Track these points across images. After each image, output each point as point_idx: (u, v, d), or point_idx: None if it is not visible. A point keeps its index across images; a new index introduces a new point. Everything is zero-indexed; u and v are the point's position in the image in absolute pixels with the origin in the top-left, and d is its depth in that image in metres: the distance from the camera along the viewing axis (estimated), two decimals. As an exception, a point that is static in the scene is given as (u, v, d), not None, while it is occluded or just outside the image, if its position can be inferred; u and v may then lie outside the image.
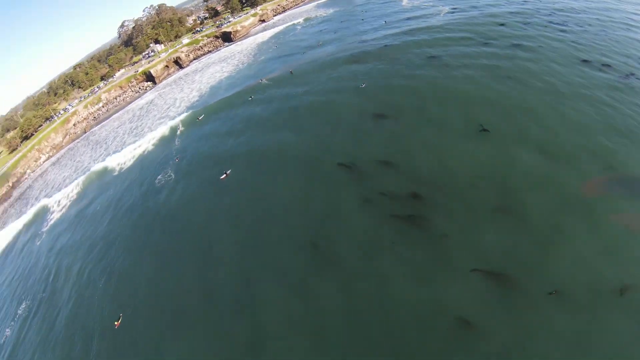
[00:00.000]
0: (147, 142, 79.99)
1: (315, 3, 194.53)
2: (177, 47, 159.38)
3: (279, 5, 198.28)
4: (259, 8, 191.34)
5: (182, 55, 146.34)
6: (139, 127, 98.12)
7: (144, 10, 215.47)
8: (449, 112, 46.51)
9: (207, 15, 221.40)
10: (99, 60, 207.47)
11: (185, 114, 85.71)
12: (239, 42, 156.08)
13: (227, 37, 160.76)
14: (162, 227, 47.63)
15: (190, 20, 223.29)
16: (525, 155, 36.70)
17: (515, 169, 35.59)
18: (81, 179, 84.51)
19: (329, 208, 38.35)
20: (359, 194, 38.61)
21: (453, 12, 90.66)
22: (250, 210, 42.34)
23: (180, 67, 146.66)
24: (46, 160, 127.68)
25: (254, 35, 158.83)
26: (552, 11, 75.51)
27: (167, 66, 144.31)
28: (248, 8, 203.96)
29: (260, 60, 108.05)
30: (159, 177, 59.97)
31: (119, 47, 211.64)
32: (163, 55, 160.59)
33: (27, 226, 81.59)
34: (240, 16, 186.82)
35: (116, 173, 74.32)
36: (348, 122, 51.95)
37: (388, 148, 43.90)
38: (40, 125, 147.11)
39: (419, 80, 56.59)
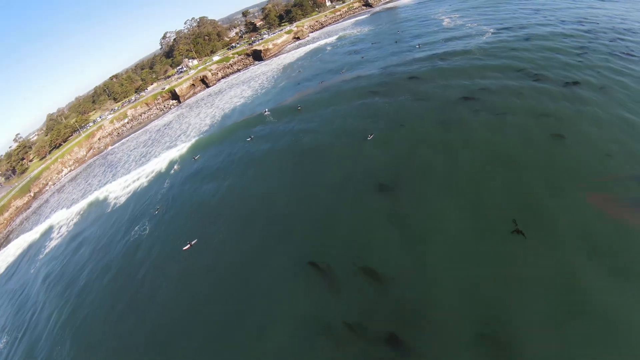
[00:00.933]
0: (144, 177, 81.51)
1: (353, 20, 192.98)
2: (208, 64, 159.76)
3: (316, 22, 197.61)
4: (294, 25, 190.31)
5: (209, 74, 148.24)
6: (148, 154, 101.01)
7: (185, 23, 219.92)
8: (473, 191, 36.00)
9: (244, 30, 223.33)
10: (142, 68, 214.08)
11: (187, 146, 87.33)
12: (267, 62, 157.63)
13: (257, 56, 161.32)
14: (129, 297, 44.26)
15: (232, 34, 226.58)
16: (595, 282, 25.15)
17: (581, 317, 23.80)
18: (83, 205, 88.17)
19: (267, 339, 30.04)
20: (318, 317, 29.74)
21: (498, 33, 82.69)
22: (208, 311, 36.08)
23: (207, 85, 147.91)
24: (67, 173, 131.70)
25: (285, 53, 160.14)
26: (615, 34, 65.40)
27: (193, 84, 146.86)
28: (286, 24, 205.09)
29: (280, 86, 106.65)
30: (136, 228, 58.95)
31: (160, 58, 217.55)
32: (193, 72, 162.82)
33: (31, 246, 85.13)
34: (275, 32, 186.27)
35: (109, 209, 75.62)
36: (337, 190, 44.27)
37: (379, 250, 33.89)
38: (70, 135, 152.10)
39: (442, 133, 46.92)
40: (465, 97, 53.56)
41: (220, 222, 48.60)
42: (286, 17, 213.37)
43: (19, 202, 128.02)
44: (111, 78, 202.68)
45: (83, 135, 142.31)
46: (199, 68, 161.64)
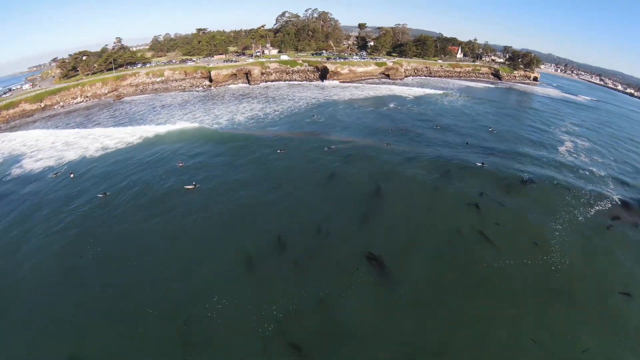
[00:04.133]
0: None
1: (471, 84, 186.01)
2: (272, 60, 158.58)
3: (425, 67, 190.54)
4: (394, 59, 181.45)
5: (257, 71, 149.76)
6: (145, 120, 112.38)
7: (306, 11, 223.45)
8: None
9: (353, 42, 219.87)
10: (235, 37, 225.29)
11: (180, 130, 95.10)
12: (327, 83, 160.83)
13: (323, 74, 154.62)
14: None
15: (347, 42, 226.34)
16: None
17: None
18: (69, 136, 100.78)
19: None
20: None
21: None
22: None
23: (248, 82, 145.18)
24: (79, 102, 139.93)
25: (356, 84, 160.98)
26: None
27: (235, 74, 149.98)
28: (395, 55, 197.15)
29: (303, 122, 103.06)
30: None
31: (267, 32, 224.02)
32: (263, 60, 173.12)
33: None
34: (365, 58, 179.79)
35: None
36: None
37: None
38: (121, 66, 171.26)
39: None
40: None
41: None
42: (397, 49, 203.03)
43: (27, 106, 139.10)
44: (198, 30, 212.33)
45: (114, 74, 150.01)
46: (262, 60, 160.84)
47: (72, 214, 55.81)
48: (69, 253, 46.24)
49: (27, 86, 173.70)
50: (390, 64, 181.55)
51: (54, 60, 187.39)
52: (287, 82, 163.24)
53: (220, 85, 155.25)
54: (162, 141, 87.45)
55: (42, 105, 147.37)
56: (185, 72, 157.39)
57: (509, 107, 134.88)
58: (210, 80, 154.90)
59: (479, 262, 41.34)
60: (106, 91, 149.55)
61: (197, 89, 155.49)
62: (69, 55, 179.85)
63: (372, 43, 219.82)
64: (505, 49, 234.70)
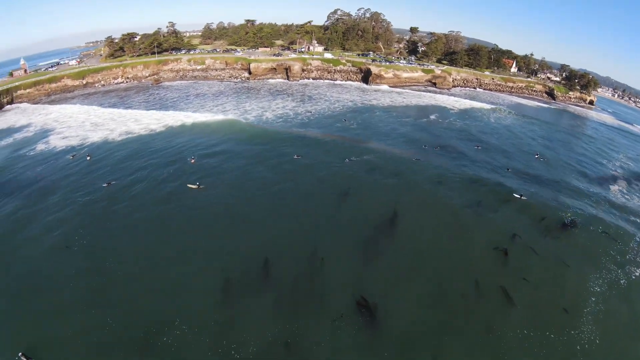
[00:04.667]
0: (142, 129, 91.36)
1: (522, 100, 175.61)
2: (315, 57, 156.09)
3: (476, 78, 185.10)
4: (443, 67, 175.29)
5: (297, 67, 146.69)
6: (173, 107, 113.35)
7: (358, 10, 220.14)
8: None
9: (404, 46, 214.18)
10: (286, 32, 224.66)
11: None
12: (369, 86, 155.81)
13: (366, 77, 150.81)
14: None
15: (397, 45, 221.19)
16: None
17: None
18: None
19: None
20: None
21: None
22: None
23: (287, 78, 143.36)
24: (119, 83, 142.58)
25: (399, 89, 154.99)
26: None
27: (274, 69, 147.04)
28: (445, 63, 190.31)
29: (336, 132, 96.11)
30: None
31: (314, 28, 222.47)
32: (305, 56, 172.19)
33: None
34: (412, 63, 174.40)
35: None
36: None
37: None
38: (165, 51, 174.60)
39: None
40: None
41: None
42: (448, 57, 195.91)
43: (69, 82, 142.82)
44: (247, 21, 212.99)
45: (156, 58, 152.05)
46: (304, 56, 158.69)
47: (74, 203, 55.23)
48: (60, 241, 45.72)
49: (73, 62, 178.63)
50: (438, 71, 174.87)
51: (108, 38, 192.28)
52: (327, 81, 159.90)
53: (259, 79, 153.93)
54: (184, 132, 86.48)
55: (84, 82, 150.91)
56: (226, 62, 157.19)
57: (560, 130, 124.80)
58: (250, 73, 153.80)
59: (492, 328, 34.76)
60: (147, 74, 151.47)
61: (235, 80, 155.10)
62: (122, 34, 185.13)
63: (423, 49, 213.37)
64: (562, 68, 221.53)
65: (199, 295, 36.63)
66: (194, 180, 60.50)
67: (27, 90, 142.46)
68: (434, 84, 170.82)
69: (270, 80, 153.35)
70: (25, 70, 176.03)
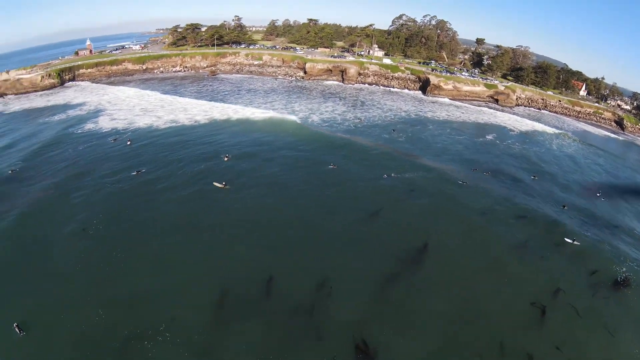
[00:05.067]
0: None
1: (589, 127, 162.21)
2: (373, 61, 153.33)
3: (542, 99, 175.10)
4: (507, 84, 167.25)
5: (353, 71, 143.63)
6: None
7: (424, 17, 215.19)
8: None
9: (469, 58, 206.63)
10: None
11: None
12: (426, 97, 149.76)
13: (424, 86, 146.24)
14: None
15: (462, 56, 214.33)
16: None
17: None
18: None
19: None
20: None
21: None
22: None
23: (342, 80, 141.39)
24: (177, 71, 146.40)
25: (458, 103, 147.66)
26: None
27: (330, 70, 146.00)
28: (510, 79, 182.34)
29: (382, 142, 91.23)
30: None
31: (375, 32, 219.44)
32: (364, 60, 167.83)
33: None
34: (475, 76, 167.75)
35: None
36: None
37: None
38: (226, 43, 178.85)
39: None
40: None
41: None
42: (514, 73, 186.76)
43: (130, 66, 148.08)
44: (309, 20, 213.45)
45: (215, 50, 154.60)
46: (362, 60, 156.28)
47: (103, 188, 56.19)
48: (79, 224, 46.82)
49: (137, 47, 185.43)
50: (501, 87, 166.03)
51: (174, 27, 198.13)
52: (383, 87, 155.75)
53: (314, 79, 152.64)
54: (227, 127, 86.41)
55: (144, 67, 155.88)
56: (283, 59, 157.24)
57: (628, 166, 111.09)
58: (305, 72, 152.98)
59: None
60: (204, 65, 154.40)
61: (289, 78, 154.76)
62: (187, 24, 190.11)
63: (487, 62, 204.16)
64: (634, 96, 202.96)
65: (193, 305, 34.75)
66: (223, 179, 59.18)
67: (89, 70, 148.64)
68: (496, 101, 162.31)
69: (325, 82, 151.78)
70: (91, 51, 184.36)
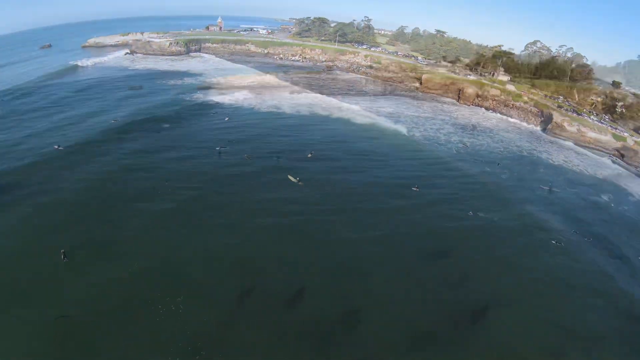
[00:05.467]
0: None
1: None
2: (495, 84, 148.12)
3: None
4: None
5: (470, 91, 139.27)
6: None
7: (560, 47, 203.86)
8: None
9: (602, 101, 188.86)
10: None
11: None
12: (547, 136, 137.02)
13: (545, 122, 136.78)
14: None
15: (595, 98, 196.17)
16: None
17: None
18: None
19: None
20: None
21: None
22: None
23: (458, 99, 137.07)
24: (295, 60, 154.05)
25: (581, 149, 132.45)
26: None
27: (447, 86, 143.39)
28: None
29: (475, 173, 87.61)
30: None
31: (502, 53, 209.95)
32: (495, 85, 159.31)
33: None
34: (604, 123, 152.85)
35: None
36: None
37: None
38: (349, 42, 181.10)
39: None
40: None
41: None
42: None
43: (253, 48, 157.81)
44: (437, 32, 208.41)
45: (336, 46, 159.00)
46: (483, 81, 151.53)
47: (189, 159, 62.89)
48: (151, 187, 53.93)
49: (264, 32, 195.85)
50: (631, 142, 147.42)
51: (301, 19, 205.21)
52: (500, 115, 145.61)
53: (428, 92, 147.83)
54: (325, 122, 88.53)
55: (265, 52, 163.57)
56: (400, 66, 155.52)
57: None
58: (420, 84, 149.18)
59: None
60: (322, 59, 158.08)
61: (403, 86, 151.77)
62: (313, 17, 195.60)
63: (621, 110, 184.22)
64: None
65: (216, 292, 36.43)
66: (303, 174, 59.95)
67: (214, 45, 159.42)
68: (622, 156, 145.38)
69: (439, 97, 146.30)
70: (220, 28, 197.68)
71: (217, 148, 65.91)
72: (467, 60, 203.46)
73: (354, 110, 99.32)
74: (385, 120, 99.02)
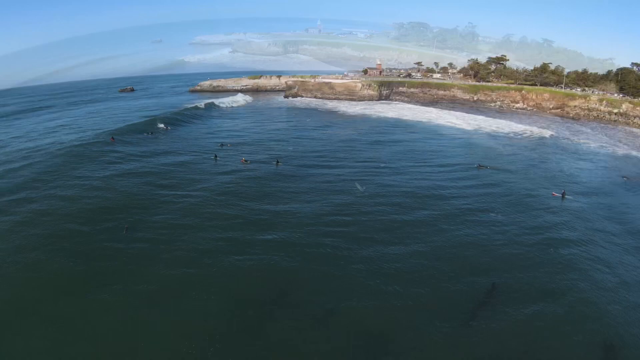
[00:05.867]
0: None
1: None
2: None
3: None
4: None
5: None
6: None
7: None
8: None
9: None
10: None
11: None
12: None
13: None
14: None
15: None
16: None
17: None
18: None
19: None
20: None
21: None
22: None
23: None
24: (518, 108, 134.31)
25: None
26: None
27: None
28: None
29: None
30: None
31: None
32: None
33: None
34: None
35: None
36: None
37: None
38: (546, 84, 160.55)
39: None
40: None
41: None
42: None
43: (459, 94, 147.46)
44: (633, 65, 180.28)
45: (562, 90, 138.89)
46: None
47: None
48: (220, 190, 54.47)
49: (437, 75, 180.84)
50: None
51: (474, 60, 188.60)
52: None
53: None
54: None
55: (475, 98, 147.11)
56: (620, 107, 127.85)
57: None
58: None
59: None
60: (551, 105, 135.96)
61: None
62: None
63: None
64: None
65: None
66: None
67: (411, 90, 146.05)
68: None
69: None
70: (381, 72, 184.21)
71: (274, 162, 67.95)
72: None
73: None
74: None
